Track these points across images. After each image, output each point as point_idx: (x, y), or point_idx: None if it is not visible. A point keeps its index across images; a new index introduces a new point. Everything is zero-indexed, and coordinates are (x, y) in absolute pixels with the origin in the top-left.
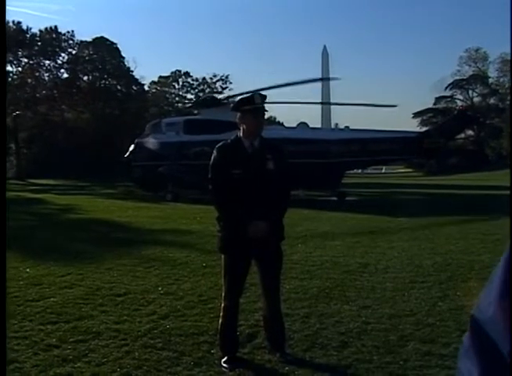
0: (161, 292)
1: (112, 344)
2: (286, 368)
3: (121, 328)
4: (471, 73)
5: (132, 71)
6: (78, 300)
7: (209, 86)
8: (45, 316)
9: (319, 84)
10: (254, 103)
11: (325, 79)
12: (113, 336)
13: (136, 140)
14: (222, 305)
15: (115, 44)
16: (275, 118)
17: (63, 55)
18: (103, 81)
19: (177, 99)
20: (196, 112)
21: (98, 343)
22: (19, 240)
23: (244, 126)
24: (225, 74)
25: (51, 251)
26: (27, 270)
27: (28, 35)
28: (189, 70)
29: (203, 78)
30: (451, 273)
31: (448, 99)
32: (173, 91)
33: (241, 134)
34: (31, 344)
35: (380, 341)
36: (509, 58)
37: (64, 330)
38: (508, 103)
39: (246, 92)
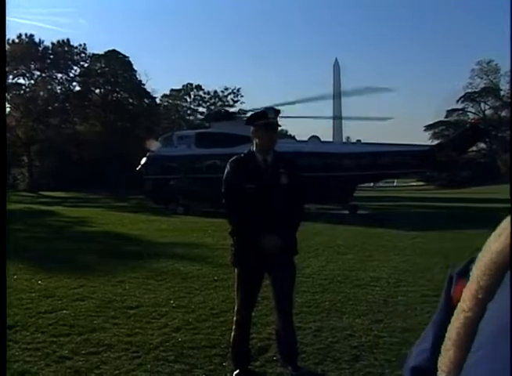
0: (173, 305)
1: (124, 356)
2: None
3: (133, 341)
4: (483, 85)
5: (144, 84)
6: (90, 312)
7: (220, 99)
8: (57, 328)
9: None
10: (267, 117)
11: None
12: (125, 348)
13: (148, 153)
14: (235, 318)
15: (127, 57)
16: (286, 131)
17: (75, 68)
18: (115, 94)
19: (188, 112)
20: (207, 125)
21: (110, 355)
22: (31, 252)
23: (257, 140)
24: (237, 87)
25: (63, 264)
26: (40, 282)
27: (40, 48)
28: (200, 84)
29: (215, 91)
30: None
31: (460, 112)
32: (185, 104)
33: (254, 148)
34: (44, 355)
35: (393, 355)
36: None
37: (76, 342)
38: None
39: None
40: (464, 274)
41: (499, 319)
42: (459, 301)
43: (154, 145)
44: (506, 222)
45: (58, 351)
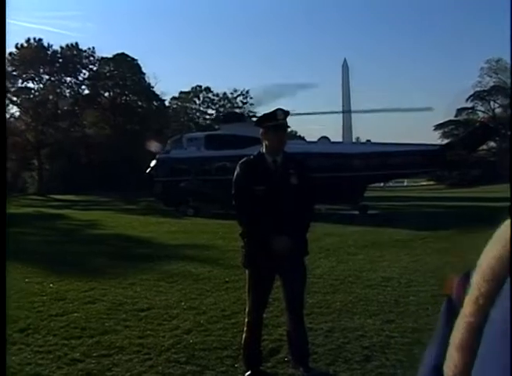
0: (184, 307)
1: (135, 358)
2: None
3: (145, 343)
4: (492, 84)
5: (153, 87)
6: (102, 315)
7: (229, 101)
8: (68, 331)
9: (339, 97)
10: (276, 119)
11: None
12: (136, 350)
13: (158, 156)
14: (246, 319)
15: (135, 60)
16: (296, 132)
17: (83, 71)
18: (124, 97)
19: (198, 114)
20: (216, 127)
21: (121, 358)
22: (42, 255)
23: (267, 142)
24: (246, 89)
25: (74, 267)
26: (51, 285)
27: (49, 52)
28: (209, 86)
29: (224, 93)
30: None
31: (470, 111)
32: (194, 106)
33: (264, 150)
34: (55, 358)
35: (404, 356)
36: None
37: (88, 344)
38: None
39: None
40: (464, 282)
41: (500, 325)
42: (459, 301)
43: (155, 146)
44: (501, 229)
45: (69, 353)
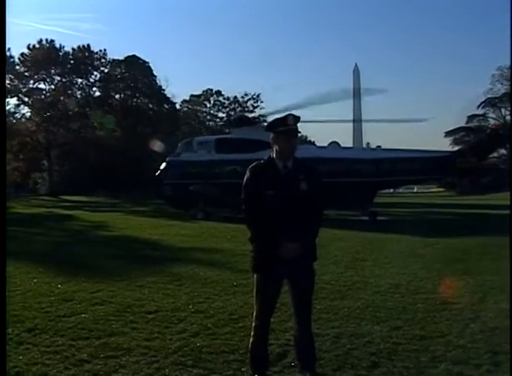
0: (192, 310)
1: (142, 360)
2: None
3: (152, 345)
4: (503, 91)
5: (164, 90)
6: (109, 316)
7: (240, 105)
8: (76, 332)
9: (350, 102)
10: (287, 124)
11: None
12: (143, 353)
13: (168, 158)
14: (253, 324)
15: (147, 62)
16: (306, 137)
17: (95, 73)
18: (135, 100)
19: (208, 117)
20: (227, 131)
21: (128, 359)
22: (51, 256)
23: (277, 147)
24: (257, 93)
25: (82, 268)
26: (59, 286)
27: (61, 54)
28: (220, 89)
29: (235, 97)
30: (482, 295)
31: (481, 118)
32: (204, 109)
33: (274, 154)
34: (62, 358)
35: (411, 362)
36: None
37: (95, 345)
38: None
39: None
40: None
41: None
42: None
43: (159, 146)
44: None
45: (77, 354)
